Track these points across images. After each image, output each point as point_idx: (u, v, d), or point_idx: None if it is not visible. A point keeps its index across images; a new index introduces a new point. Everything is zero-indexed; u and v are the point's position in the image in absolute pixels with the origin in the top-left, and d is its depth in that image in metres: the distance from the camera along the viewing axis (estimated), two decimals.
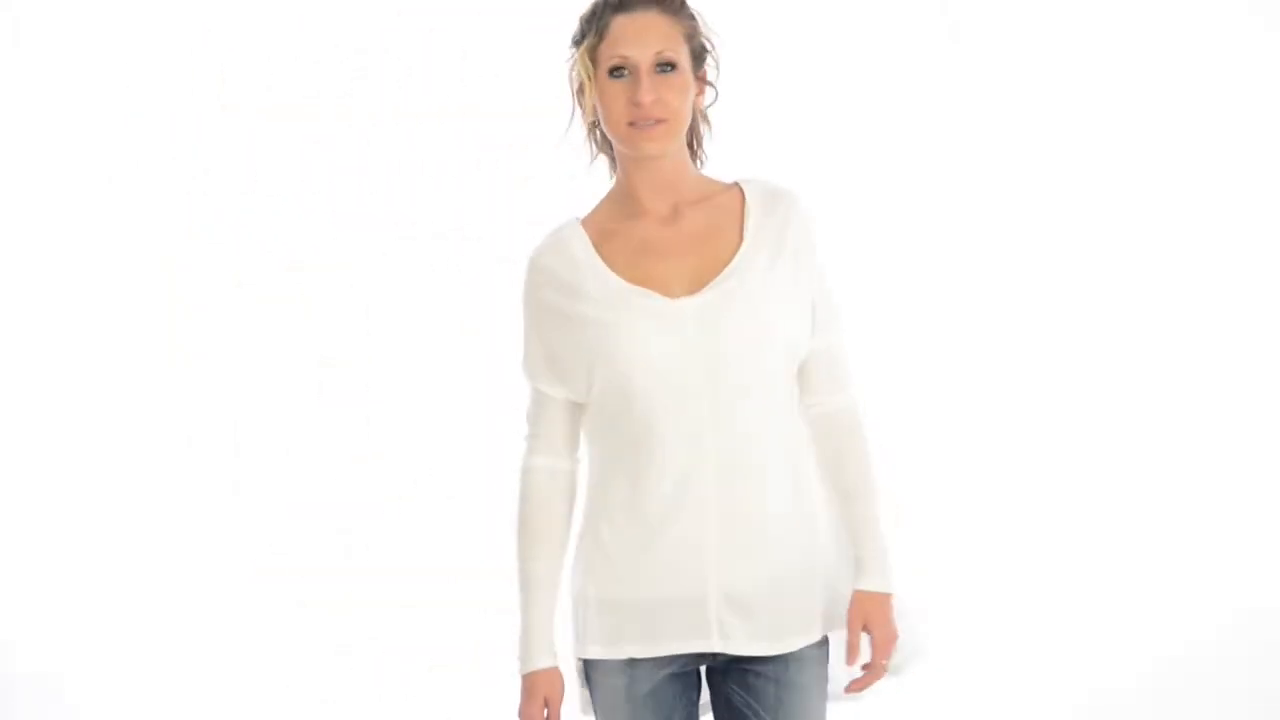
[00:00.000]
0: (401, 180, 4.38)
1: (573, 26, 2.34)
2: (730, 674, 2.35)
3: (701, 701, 2.44)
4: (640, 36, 2.25)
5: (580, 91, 2.32)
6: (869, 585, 2.37)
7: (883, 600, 2.37)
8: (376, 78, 4.36)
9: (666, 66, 2.26)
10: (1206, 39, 4.41)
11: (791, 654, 2.33)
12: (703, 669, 2.40)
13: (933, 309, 4.45)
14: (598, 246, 2.35)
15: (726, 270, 2.31)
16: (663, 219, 2.35)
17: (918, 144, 4.41)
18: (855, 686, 2.36)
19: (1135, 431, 4.47)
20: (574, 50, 2.31)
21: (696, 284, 2.31)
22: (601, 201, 2.41)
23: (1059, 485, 4.45)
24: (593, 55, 2.28)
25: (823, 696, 2.37)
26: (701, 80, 2.34)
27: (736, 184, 2.40)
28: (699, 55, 2.33)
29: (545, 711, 2.37)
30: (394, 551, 4.39)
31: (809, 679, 2.34)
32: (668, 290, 2.31)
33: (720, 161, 2.54)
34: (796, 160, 4.31)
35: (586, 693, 2.41)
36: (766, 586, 2.31)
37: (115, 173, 4.38)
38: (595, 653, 2.35)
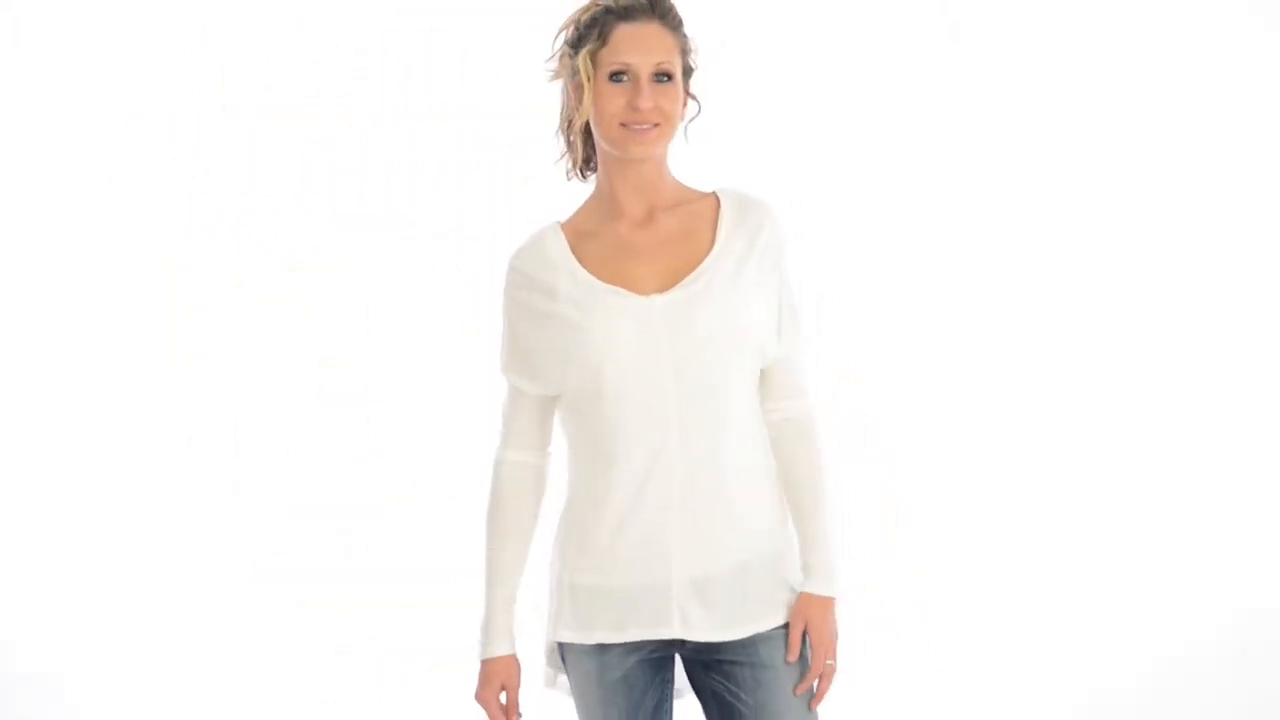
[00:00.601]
0: (401, 180, 4.38)
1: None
2: (711, 668, 2.48)
3: (678, 685, 2.56)
4: (643, 46, 2.38)
5: (578, 91, 2.42)
6: (813, 588, 2.48)
7: (824, 603, 2.48)
8: (376, 78, 4.36)
9: (664, 77, 2.39)
10: (1206, 39, 4.41)
11: (759, 635, 2.45)
12: (677, 658, 2.52)
13: (932, 309, 4.45)
14: (574, 247, 2.47)
15: (696, 271, 2.42)
16: (638, 221, 2.47)
17: (918, 144, 4.41)
18: (800, 689, 2.47)
19: (1135, 432, 4.47)
20: (569, 51, 2.42)
21: (667, 283, 2.42)
22: (582, 205, 2.53)
23: (1059, 486, 4.45)
24: (593, 59, 2.39)
25: (799, 674, 2.47)
26: (687, 93, 2.46)
27: (713, 192, 2.51)
28: (687, 70, 2.45)
29: (503, 697, 2.52)
30: (394, 551, 4.39)
31: (781, 658, 2.45)
32: (639, 288, 2.43)
33: (720, 161, 2.57)
34: (796, 159, 4.32)
35: (552, 671, 2.54)
36: (728, 576, 2.44)
37: (115, 173, 4.38)
38: (567, 636, 2.48)
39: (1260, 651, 4.35)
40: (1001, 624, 4.40)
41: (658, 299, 2.40)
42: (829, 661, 2.47)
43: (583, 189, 2.57)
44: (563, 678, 2.56)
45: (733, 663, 2.45)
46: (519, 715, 2.54)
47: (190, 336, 4.43)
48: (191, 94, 4.35)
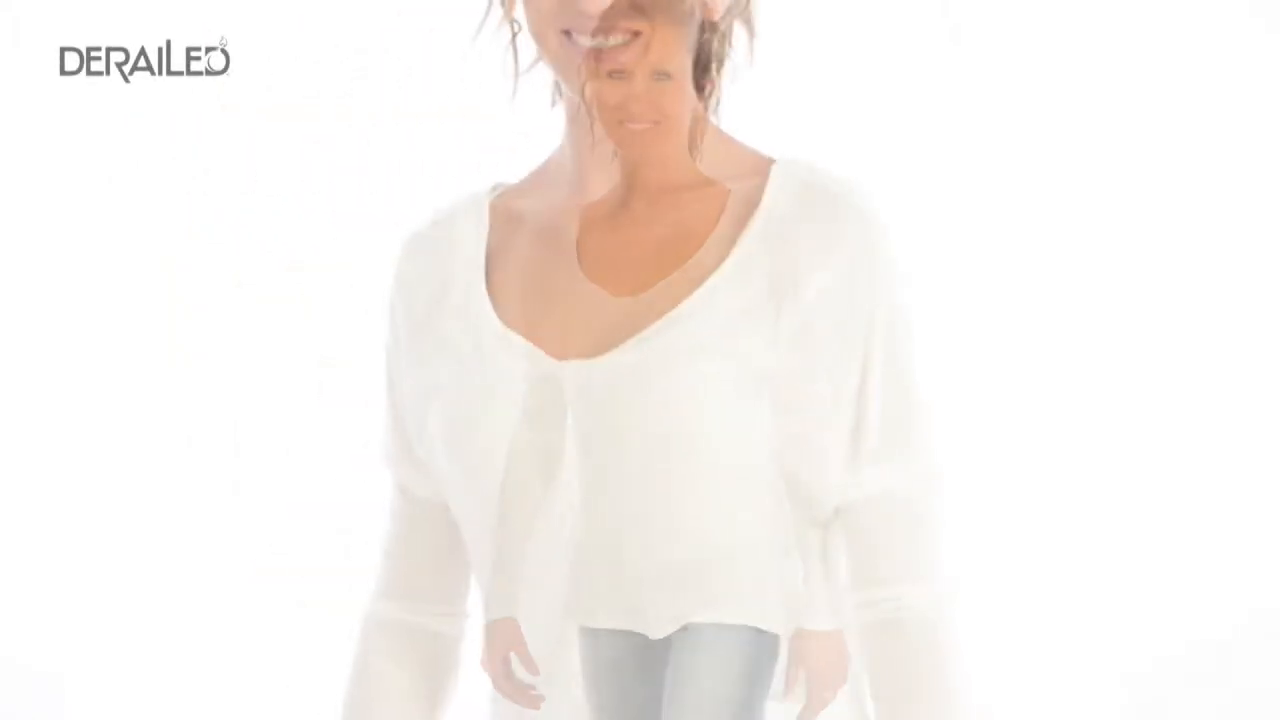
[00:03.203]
0: (401, 180, 4.37)
1: None
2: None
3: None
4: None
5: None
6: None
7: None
8: (376, 78, 4.35)
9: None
10: (1207, 39, 4.41)
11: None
12: None
13: (931, 311, 4.44)
14: (491, 256, 1.64)
15: (668, 318, 1.39)
16: (611, 211, 1.62)
17: (917, 147, 4.41)
18: None
19: (1135, 432, 4.46)
20: None
21: (608, 336, 1.39)
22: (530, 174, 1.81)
23: (1059, 485, 4.44)
24: None
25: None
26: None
27: (767, 162, 1.50)
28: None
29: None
30: None
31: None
32: (554, 345, 1.48)
33: None
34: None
35: None
36: None
37: (115, 173, 4.38)
38: None
39: (1260, 651, 4.34)
40: (1002, 623, 4.40)
41: (575, 368, 1.47)
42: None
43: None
44: None
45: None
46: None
47: (190, 336, 4.42)
48: (191, 94, 4.35)
